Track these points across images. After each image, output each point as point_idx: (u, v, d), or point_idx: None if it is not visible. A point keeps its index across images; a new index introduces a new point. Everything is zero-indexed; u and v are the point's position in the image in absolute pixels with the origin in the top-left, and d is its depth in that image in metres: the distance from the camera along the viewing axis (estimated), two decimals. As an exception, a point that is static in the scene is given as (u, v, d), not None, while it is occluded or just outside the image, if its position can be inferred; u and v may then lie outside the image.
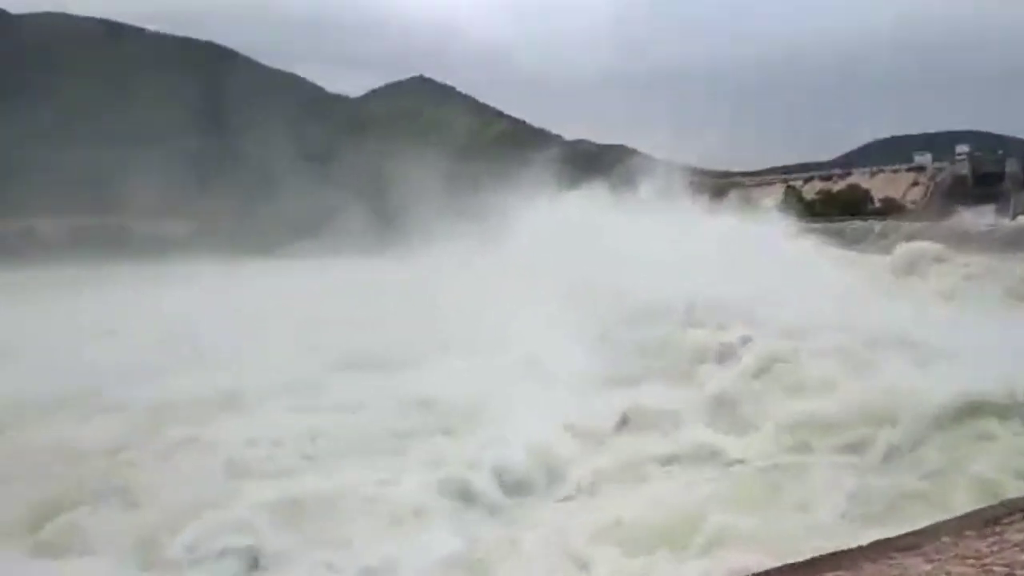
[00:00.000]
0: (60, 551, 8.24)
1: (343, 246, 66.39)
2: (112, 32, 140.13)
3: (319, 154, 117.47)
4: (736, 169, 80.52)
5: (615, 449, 11.88)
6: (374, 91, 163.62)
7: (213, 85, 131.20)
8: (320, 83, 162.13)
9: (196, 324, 19.60)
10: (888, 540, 7.03)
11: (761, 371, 13.73)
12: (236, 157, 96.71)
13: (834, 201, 52.15)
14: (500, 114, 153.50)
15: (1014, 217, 41.99)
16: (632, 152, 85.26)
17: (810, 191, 57.16)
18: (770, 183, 57.87)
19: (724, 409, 12.94)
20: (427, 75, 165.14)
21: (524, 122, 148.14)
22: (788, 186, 55.03)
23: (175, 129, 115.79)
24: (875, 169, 60.31)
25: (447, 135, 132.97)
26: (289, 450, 11.14)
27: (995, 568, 4.87)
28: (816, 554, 7.11)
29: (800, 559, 6.91)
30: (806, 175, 64.25)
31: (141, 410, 12.74)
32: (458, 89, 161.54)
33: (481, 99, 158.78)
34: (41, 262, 66.37)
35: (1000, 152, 59.17)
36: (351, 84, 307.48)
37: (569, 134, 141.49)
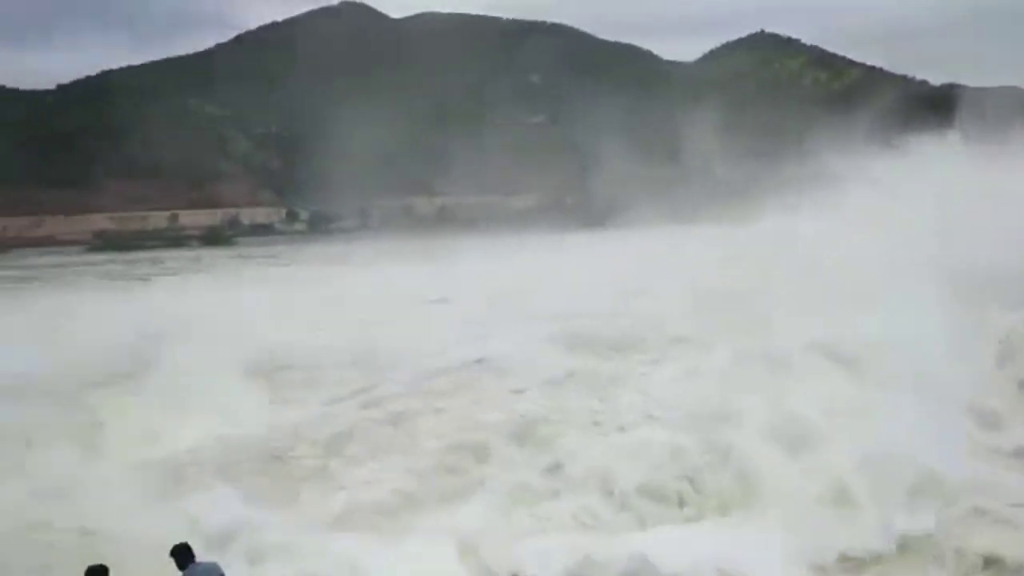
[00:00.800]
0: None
1: (682, 214, 65.00)
2: (470, 25, 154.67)
3: (655, 123, 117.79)
4: None
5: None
6: (712, 52, 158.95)
7: (556, 63, 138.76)
8: (656, 51, 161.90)
9: (513, 294, 20.65)
10: None
11: None
12: (577, 131, 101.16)
13: None
14: (852, 63, 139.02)
15: None
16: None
17: None
18: None
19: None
20: (768, 29, 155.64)
21: (880, 69, 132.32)
22: None
23: (519, 109, 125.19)
24: None
25: (791, 91, 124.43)
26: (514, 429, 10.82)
27: None
28: None
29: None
30: None
31: (413, 376, 13.29)
32: (803, 41, 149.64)
33: (830, 49, 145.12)
34: (416, 234, 76.79)
35: None
36: (687, 49, 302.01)
37: (936, 78, 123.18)
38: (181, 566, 5.76)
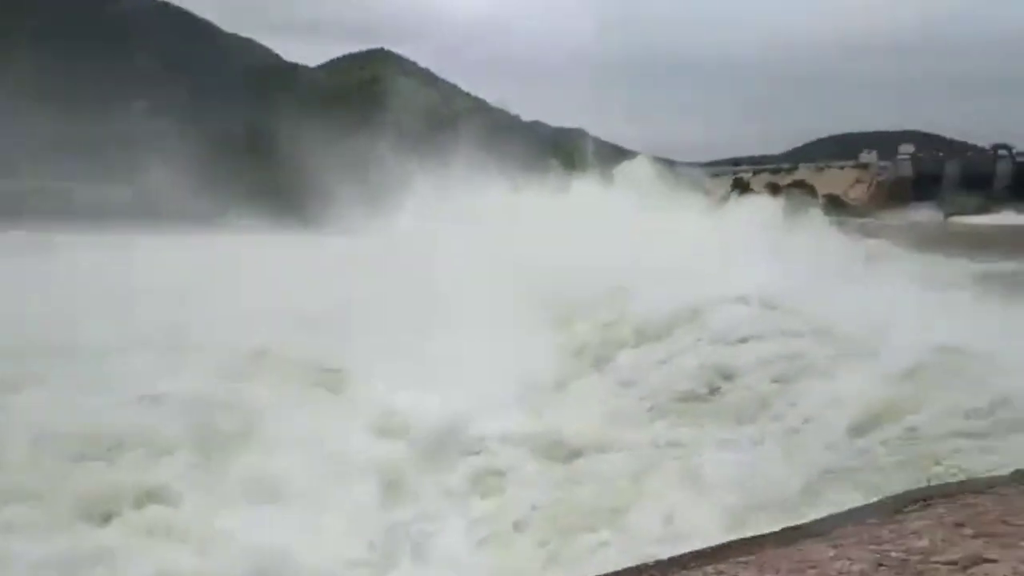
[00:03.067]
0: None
1: (283, 221, 64.77)
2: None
3: (269, 123, 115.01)
4: (687, 159, 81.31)
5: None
6: (333, 61, 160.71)
7: (172, 50, 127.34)
8: (279, 51, 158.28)
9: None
10: (798, 527, 7.49)
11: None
12: (186, 123, 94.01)
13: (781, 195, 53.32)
14: (459, 91, 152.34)
15: (947, 217, 43.89)
16: (587, 136, 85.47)
17: (758, 183, 58.36)
18: (721, 175, 58.73)
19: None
20: (388, 47, 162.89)
21: (483, 100, 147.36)
22: (736, 178, 56.11)
23: (128, 93, 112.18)
24: (821, 165, 61.66)
25: (405, 110, 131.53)
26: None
27: (892, 554, 5.32)
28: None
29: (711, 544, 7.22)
30: (756, 167, 65.56)
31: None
32: (419, 64, 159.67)
33: (442, 75, 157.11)
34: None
35: (940, 154, 61.47)
36: (314, 54, 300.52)
37: (527, 115, 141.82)
38: None
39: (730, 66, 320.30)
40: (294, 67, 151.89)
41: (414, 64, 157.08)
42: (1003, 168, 52.18)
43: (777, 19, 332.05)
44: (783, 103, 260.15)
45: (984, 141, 75.84)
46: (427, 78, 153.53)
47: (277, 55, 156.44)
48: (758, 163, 70.80)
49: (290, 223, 62.80)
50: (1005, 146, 56.10)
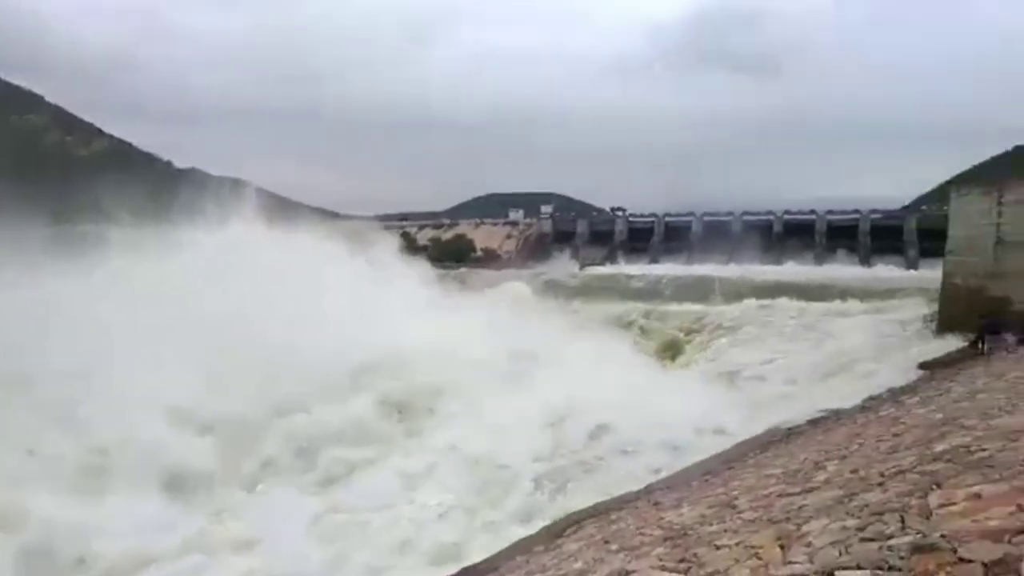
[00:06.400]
0: None
1: None
2: None
3: None
4: (355, 212, 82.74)
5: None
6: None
7: None
8: None
9: None
10: (474, 566, 7.92)
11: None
12: None
13: (444, 248, 56.83)
14: (100, 132, 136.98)
15: (582, 267, 50.45)
16: (248, 186, 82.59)
17: (423, 237, 61.59)
18: (389, 227, 60.64)
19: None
20: (9, 80, 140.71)
21: (130, 144, 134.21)
22: (403, 232, 58.47)
23: None
24: (478, 221, 67.16)
25: (33, 148, 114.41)
26: None
27: (553, 579, 5.85)
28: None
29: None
30: (421, 223, 69.15)
31: None
32: (47, 99, 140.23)
33: (78, 114, 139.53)
34: None
35: (573, 214, 71.38)
36: None
37: (181, 162, 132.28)
38: None
39: (408, 125, 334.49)
40: None
41: (41, 98, 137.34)
42: (620, 226, 61.47)
43: (457, 83, 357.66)
44: (452, 163, 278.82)
45: (604, 203, 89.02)
46: (60, 115, 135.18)
47: None
48: (425, 218, 74.90)
49: None
50: (620, 208, 66.50)
